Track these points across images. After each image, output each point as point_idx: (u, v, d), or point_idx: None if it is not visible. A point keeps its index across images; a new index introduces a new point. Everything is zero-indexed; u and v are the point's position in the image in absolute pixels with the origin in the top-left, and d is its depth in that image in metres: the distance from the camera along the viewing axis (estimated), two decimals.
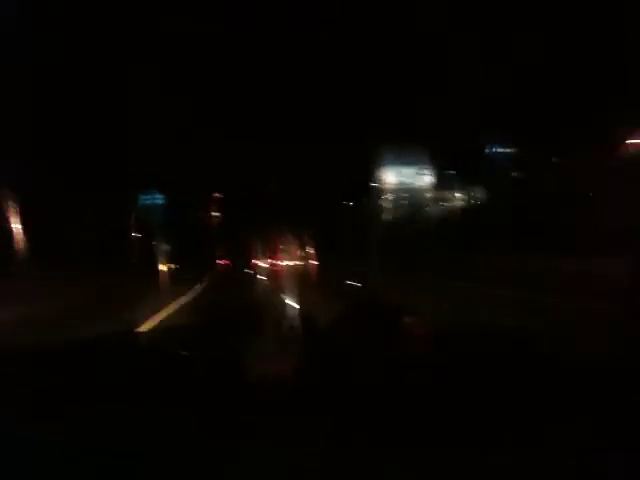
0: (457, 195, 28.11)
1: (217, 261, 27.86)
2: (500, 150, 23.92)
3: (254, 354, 1.66)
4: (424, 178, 28.89)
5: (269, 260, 25.64)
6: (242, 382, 1.32)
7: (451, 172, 28.10)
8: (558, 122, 14.43)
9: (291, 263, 24.50)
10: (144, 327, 5.95)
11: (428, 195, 29.42)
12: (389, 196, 29.70)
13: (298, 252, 25.09)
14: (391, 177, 29.54)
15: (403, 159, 28.65)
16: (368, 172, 29.16)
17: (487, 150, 24.13)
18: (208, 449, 0.97)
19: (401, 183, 29.46)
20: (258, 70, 20.30)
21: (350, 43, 18.04)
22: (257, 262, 25.42)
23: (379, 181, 29.61)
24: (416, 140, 23.75)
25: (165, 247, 23.97)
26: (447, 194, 28.85)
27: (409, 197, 29.61)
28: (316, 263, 23.38)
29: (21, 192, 13.58)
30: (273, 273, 21.59)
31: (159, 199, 25.14)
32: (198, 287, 15.53)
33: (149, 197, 24.95)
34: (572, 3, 12.97)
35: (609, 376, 1.28)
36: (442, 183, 28.42)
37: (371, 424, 1.07)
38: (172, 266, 23.89)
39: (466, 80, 16.78)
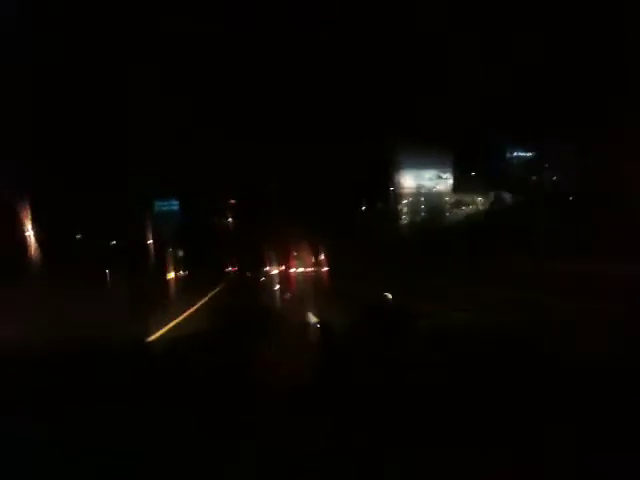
0: (478, 199, 27.02)
1: (227, 268, 27.47)
2: (518, 154, 23.61)
3: (256, 356, 1.65)
4: (444, 181, 27.87)
5: (282, 267, 25.58)
6: (243, 383, 1.32)
7: (472, 174, 26.99)
8: (574, 123, 14.29)
9: (301, 270, 24.39)
10: (152, 337, 5.97)
11: (447, 199, 28.32)
12: (408, 200, 28.72)
13: (310, 259, 24.69)
14: (409, 180, 28.30)
15: (421, 161, 27.44)
16: (384, 176, 28.17)
17: (507, 154, 23.56)
18: (208, 449, 0.97)
19: (420, 187, 28.33)
20: (259, 70, 20.30)
21: (351, 43, 18.03)
22: (270, 269, 25.34)
23: (396, 184, 28.39)
24: (431, 142, 22.99)
25: (180, 254, 23.91)
26: (467, 197, 27.81)
27: (429, 201, 28.54)
28: (326, 269, 22.95)
29: (22, 195, 13.60)
30: (285, 280, 21.46)
31: (175, 205, 24.98)
32: (211, 294, 15.30)
33: (165, 204, 24.79)
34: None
35: (609, 376, 1.26)
36: (461, 186, 27.41)
37: (371, 424, 1.07)
38: (183, 273, 22.52)
39: (480, 81, 16.58)
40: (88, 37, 14.79)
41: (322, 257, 23.99)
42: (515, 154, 23.26)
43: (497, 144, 22.38)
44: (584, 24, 12.31)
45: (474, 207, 27.27)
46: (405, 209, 28.96)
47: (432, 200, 28.30)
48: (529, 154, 22.50)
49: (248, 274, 26.16)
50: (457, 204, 28.11)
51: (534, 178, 21.15)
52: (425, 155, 26.14)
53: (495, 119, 18.11)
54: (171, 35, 16.17)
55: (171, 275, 19.10)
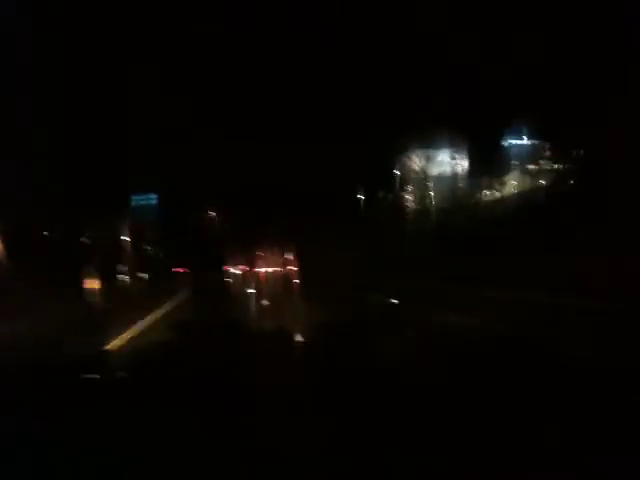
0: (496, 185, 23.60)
1: (174, 269, 25.78)
2: (516, 142, 22.23)
3: (252, 357, 1.66)
4: (457, 165, 24.73)
5: (245, 267, 24.49)
6: (242, 383, 1.33)
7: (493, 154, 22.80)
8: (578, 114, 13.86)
9: (271, 270, 23.22)
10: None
11: (460, 185, 24.89)
12: (412, 187, 25.57)
13: (280, 258, 23.30)
14: (416, 164, 25.52)
15: (429, 143, 24.55)
16: (387, 160, 25.14)
17: (506, 142, 22.26)
18: (208, 449, 0.98)
19: (428, 170, 25.32)
20: (258, 70, 20.29)
21: (350, 41, 18.00)
22: (232, 268, 24.33)
23: (403, 169, 25.48)
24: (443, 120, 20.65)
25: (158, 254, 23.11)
26: (483, 182, 24.13)
27: (438, 188, 25.13)
28: (295, 269, 21.61)
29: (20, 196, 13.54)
30: (258, 280, 20.58)
31: (153, 199, 23.98)
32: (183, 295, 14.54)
33: (143, 197, 23.81)
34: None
35: (609, 376, 1.27)
36: (478, 169, 23.76)
37: (371, 425, 1.07)
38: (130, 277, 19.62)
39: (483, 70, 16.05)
40: (88, 37, 14.80)
41: (292, 257, 22.53)
42: (513, 142, 22.14)
43: (496, 131, 21.43)
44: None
45: (492, 194, 23.95)
46: (411, 197, 25.85)
47: (445, 185, 25.04)
48: (527, 142, 21.56)
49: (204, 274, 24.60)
50: (479, 188, 24.29)
51: (532, 167, 20.34)
52: (436, 134, 23.21)
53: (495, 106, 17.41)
54: (171, 35, 16.19)
55: (94, 283, 12.93)
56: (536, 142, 21.28)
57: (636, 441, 0.96)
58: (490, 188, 23.97)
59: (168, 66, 18.04)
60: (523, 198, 20.22)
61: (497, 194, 23.50)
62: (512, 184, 22.49)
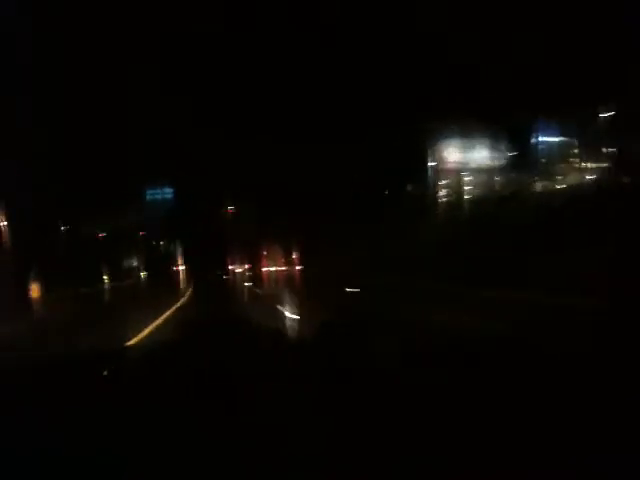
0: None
1: (173, 267, 25.63)
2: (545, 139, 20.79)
3: (252, 357, 1.66)
4: (496, 157, 22.21)
5: (246, 265, 24.36)
6: (241, 382, 1.33)
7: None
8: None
9: (274, 269, 23.10)
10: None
11: (498, 178, 22.66)
12: (448, 180, 23.88)
13: (284, 258, 23.09)
14: (453, 155, 23.35)
15: (465, 133, 22.29)
16: (418, 150, 23.41)
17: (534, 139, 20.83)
18: (208, 449, 0.98)
19: (465, 162, 23.29)
20: (259, 70, 20.29)
21: (350, 41, 17.97)
22: (233, 267, 24.22)
23: (437, 160, 23.50)
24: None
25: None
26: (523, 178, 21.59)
27: (476, 181, 23.46)
28: (299, 268, 21.56)
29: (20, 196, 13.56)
30: (261, 279, 20.56)
31: (168, 193, 23.42)
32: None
33: (158, 191, 23.37)
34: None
35: (608, 375, 1.27)
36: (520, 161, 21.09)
37: (371, 425, 1.07)
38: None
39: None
40: (89, 37, 14.82)
41: (295, 256, 22.29)
42: (541, 139, 20.80)
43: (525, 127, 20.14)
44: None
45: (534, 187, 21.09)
46: (444, 191, 24.11)
47: (481, 181, 23.15)
48: (558, 139, 20.38)
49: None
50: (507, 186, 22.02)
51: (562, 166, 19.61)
52: (474, 122, 20.89)
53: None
54: (171, 35, 16.19)
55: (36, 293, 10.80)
56: (566, 139, 20.45)
57: (636, 441, 0.96)
58: (525, 183, 21.11)
59: (168, 66, 18.04)
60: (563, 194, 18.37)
61: (539, 187, 20.76)
62: (557, 179, 20.08)
